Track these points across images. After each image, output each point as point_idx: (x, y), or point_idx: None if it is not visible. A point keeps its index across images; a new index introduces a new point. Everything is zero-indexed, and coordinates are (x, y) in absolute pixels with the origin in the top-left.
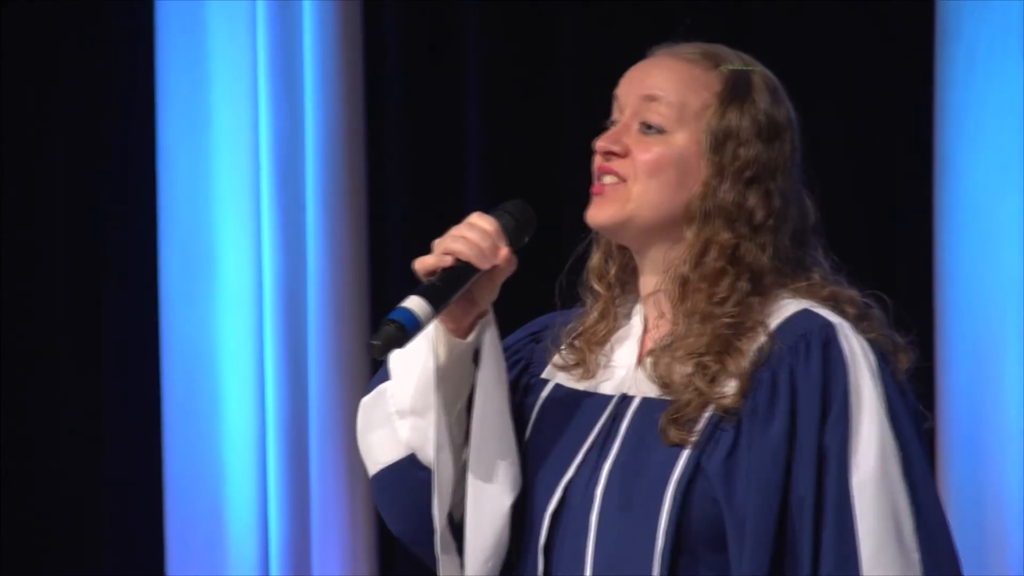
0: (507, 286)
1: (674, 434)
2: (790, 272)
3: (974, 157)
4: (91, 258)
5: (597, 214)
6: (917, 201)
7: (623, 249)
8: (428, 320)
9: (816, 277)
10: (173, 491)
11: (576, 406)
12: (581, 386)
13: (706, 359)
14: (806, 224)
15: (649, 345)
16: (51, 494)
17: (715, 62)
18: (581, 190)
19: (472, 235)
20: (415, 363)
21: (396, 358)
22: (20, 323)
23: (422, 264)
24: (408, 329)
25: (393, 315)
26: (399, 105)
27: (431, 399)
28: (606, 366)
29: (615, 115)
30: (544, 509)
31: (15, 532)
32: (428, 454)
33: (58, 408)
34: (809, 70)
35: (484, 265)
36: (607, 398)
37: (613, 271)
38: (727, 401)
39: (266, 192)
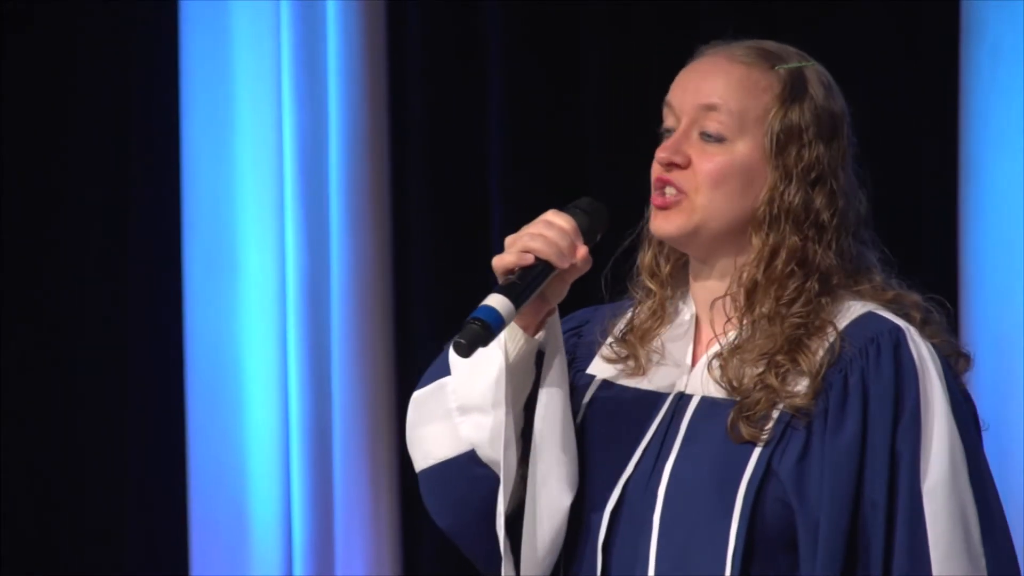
0: None
1: (745, 431)
2: (853, 272)
3: (999, 157)
4: (115, 257)
5: (664, 226)
6: (942, 201)
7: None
8: (510, 318)
9: (877, 279)
10: (197, 491)
11: (629, 403)
12: (632, 383)
13: (778, 358)
14: (860, 221)
15: (705, 346)
16: (74, 493)
17: (771, 62)
18: (605, 187)
19: (551, 234)
20: (482, 359)
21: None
22: (44, 323)
23: (501, 262)
24: (493, 327)
25: (478, 313)
26: (422, 105)
27: (500, 396)
28: (658, 364)
29: (669, 122)
30: (603, 507)
31: (39, 532)
32: (488, 451)
33: (82, 408)
34: (833, 69)
35: (563, 264)
36: (662, 396)
37: (666, 269)
38: (799, 401)
39: (290, 192)
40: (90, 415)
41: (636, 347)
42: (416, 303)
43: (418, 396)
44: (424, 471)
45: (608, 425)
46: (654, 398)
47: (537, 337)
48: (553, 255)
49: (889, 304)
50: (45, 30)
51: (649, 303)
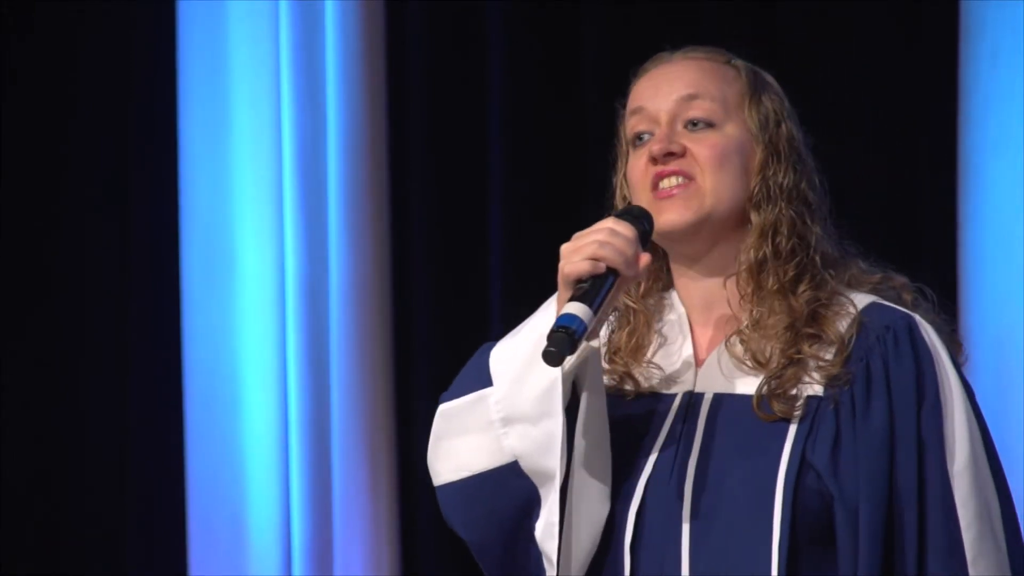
0: (521, 286)
1: (777, 407)
2: (840, 254)
3: (997, 156)
4: (114, 258)
5: (674, 217)
6: (941, 201)
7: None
8: (591, 325)
9: (862, 264)
10: (195, 492)
11: (635, 407)
12: (634, 388)
13: (802, 329)
14: (829, 206)
15: (705, 345)
16: (73, 494)
17: (726, 58)
18: (605, 188)
19: (618, 242)
20: (529, 370)
21: (501, 364)
22: (44, 325)
23: (576, 269)
24: (578, 336)
25: (563, 322)
26: (421, 104)
27: (553, 405)
28: (658, 371)
29: (642, 127)
30: (626, 508)
31: (39, 533)
32: (531, 462)
33: (81, 409)
34: (833, 69)
35: (629, 272)
36: (669, 397)
37: (644, 285)
38: (832, 369)
39: (289, 193)
40: (90, 416)
41: (629, 365)
42: (415, 304)
43: (448, 408)
44: (454, 483)
45: (618, 430)
46: (661, 399)
47: (596, 344)
48: (622, 264)
49: (878, 286)
50: (45, 29)
51: (633, 320)
